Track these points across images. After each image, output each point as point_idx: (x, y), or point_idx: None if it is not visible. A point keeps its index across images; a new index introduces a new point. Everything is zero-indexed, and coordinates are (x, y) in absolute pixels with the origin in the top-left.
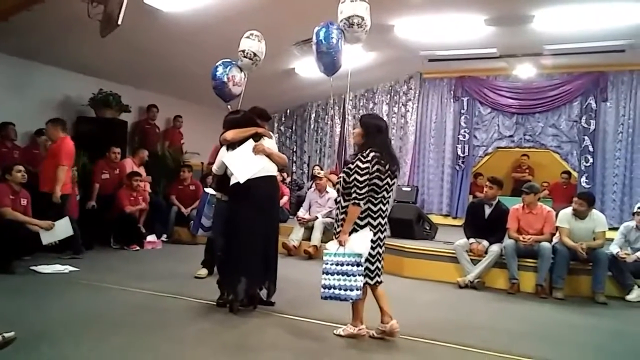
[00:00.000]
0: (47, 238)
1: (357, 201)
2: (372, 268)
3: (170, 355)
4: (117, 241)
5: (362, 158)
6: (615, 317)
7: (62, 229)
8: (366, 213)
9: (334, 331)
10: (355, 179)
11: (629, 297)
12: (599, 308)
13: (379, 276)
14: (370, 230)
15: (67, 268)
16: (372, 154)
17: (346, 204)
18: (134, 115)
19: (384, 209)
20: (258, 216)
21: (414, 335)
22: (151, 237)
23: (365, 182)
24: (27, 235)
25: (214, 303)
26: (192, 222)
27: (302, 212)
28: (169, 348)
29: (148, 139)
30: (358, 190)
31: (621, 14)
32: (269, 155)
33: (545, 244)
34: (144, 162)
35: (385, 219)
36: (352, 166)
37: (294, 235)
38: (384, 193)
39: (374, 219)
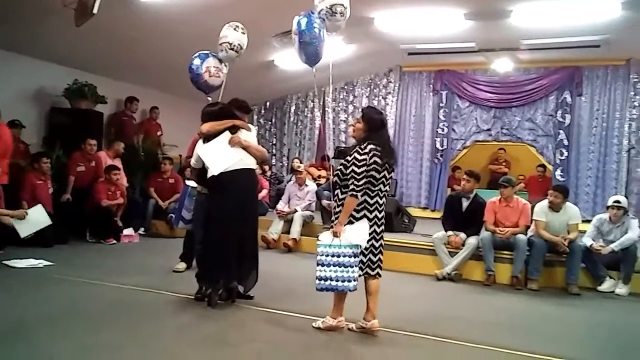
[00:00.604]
0: (24, 230)
1: (354, 193)
2: (365, 260)
3: (149, 351)
4: (93, 235)
5: (360, 150)
6: (588, 308)
7: (38, 218)
8: (362, 205)
9: (313, 324)
10: (352, 170)
11: (601, 288)
12: (572, 299)
13: (372, 269)
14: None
15: (42, 262)
16: (370, 147)
17: (343, 196)
18: (111, 107)
19: (380, 202)
20: (236, 210)
21: (393, 328)
22: (128, 231)
23: (363, 174)
24: None
25: (192, 297)
26: (170, 215)
27: (281, 205)
28: (148, 343)
29: (125, 131)
30: (356, 182)
31: (596, 10)
32: (246, 148)
33: (521, 237)
34: (120, 155)
35: (382, 213)
36: (349, 158)
37: (273, 229)
38: (381, 186)
39: (370, 212)
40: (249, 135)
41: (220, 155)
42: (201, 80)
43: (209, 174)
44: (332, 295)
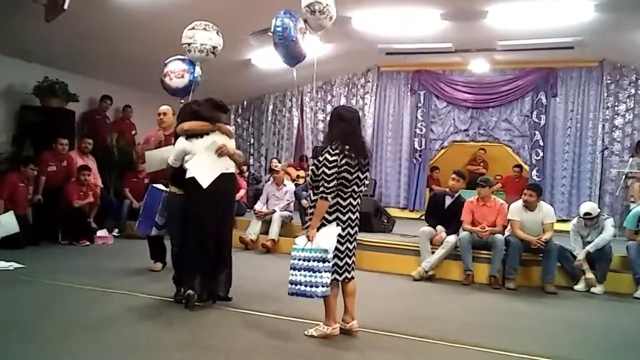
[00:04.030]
0: None
1: (324, 195)
2: (341, 264)
3: (122, 355)
4: (65, 236)
5: (331, 150)
6: (564, 306)
7: (8, 225)
8: (335, 207)
9: (305, 332)
10: (323, 172)
11: (576, 287)
12: (548, 298)
13: (349, 272)
14: (339, 225)
15: (12, 265)
16: (341, 147)
17: (315, 197)
18: (83, 105)
19: (354, 203)
20: (213, 212)
21: (372, 328)
22: (102, 232)
23: (334, 176)
24: None
25: (169, 299)
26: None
27: (259, 206)
28: (122, 347)
29: (98, 130)
30: (326, 184)
31: (570, 12)
32: (231, 156)
33: (499, 236)
34: (88, 152)
35: (356, 214)
36: (320, 158)
37: (252, 229)
38: (354, 187)
39: (343, 214)
40: (227, 140)
41: (208, 168)
42: (165, 85)
43: (189, 175)
44: (311, 299)
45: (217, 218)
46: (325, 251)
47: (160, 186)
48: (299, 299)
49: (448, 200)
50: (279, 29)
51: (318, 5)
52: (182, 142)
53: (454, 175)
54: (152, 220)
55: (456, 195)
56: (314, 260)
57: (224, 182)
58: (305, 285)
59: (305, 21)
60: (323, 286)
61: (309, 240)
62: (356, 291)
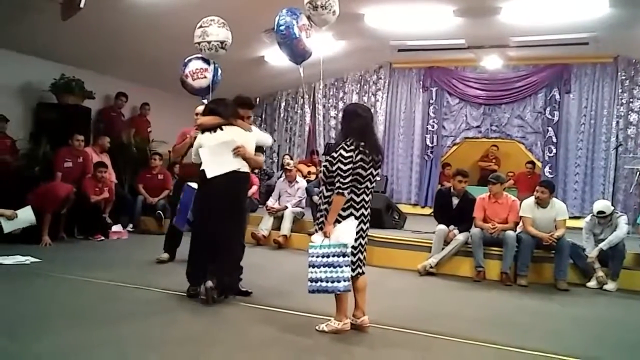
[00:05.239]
0: (9, 226)
1: (341, 191)
2: (354, 259)
3: (134, 349)
4: (81, 231)
5: (346, 147)
6: (576, 304)
7: (26, 218)
8: (349, 204)
9: (317, 327)
10: (339, 167)
11: (589, 284)
12: (560, 295)
13: (361, 267)
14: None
15: (29, 259)
16: (355, 143)
17: (329, 193)
18: (99, 102)
19: (366, 199)
20: (222, 209)
21: (383, 324)
22: (117, 227)
23: (349, 172)
24: None
25: (183, 294)
26: (159, 212)
27: (271, 202)
28: (134, 341)
29: (113, 127)
30: (342, 180)
31: (584, 7)
32: (246, 159)
33: (510, 233)
34: (106, 150)
35: (368, 210)
36: (335, 155)
37: (264, 225)
38: (367, 183)
39: (357, 210)
40: (248, 136)
41: (219, 161)
42: (187, 85)
43: (203, 167)
44: (325, 295)
45: (225, 217)
46: (345, 245)
47: (195, 185)
48: (311, 294)
49: (455, 200)
50: (282, 27)
51: (320, 0)
52: (198, 137)
53: (460, 178)
54: (186, 216)
55: (462, 193)
56: (333, 256)
57: (236, 181)
58: (327, 282)
59: (309, 17)
60: (345, 280)
61: (326, 236)
62: (366, 287)
